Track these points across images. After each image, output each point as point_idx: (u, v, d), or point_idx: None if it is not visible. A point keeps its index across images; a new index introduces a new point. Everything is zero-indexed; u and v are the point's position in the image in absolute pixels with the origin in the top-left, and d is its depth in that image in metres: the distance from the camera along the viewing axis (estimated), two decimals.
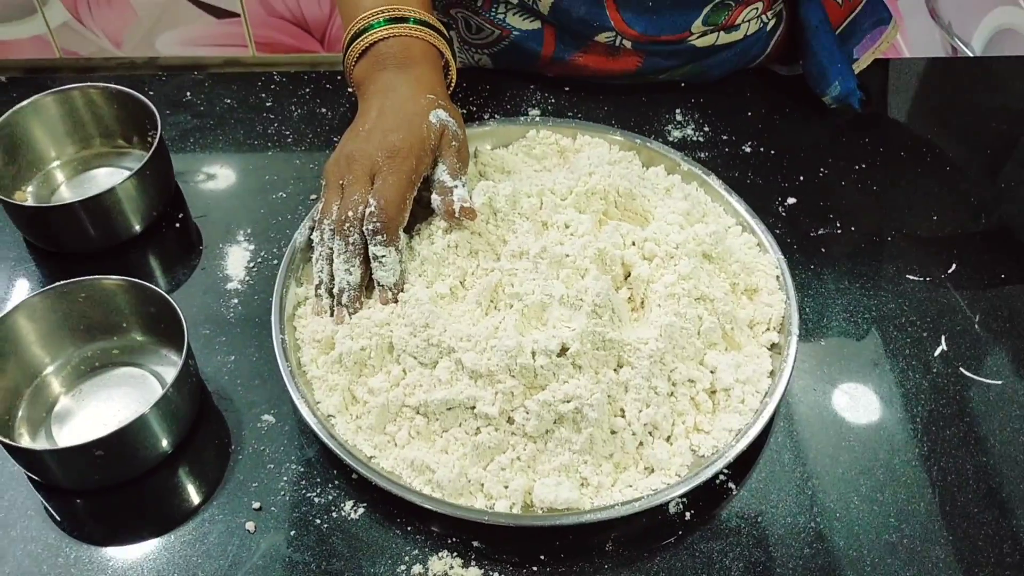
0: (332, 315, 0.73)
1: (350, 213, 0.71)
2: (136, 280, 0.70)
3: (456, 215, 0.73)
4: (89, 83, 0.84)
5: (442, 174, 0.75)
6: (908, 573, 0.64)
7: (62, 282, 0.70)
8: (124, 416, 0.64)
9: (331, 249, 0.73)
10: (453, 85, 0.85)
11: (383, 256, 0.71)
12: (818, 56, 0.91)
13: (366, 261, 0.72)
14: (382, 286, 0.72)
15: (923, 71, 1.02)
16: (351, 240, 0.72)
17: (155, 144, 0.80)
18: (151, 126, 0.82)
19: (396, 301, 0.72)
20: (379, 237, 0.71)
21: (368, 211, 0.71)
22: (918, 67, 1.04)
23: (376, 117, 0.75)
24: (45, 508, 0.67)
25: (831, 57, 0.91)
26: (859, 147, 0.91)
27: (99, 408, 0.71)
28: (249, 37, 2.14)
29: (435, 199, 0.74)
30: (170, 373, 0.66)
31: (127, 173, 0.79)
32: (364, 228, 0.71)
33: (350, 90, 0.83)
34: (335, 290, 0.73)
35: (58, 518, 0.66)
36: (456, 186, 0.74)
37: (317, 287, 0.74)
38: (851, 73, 0.92)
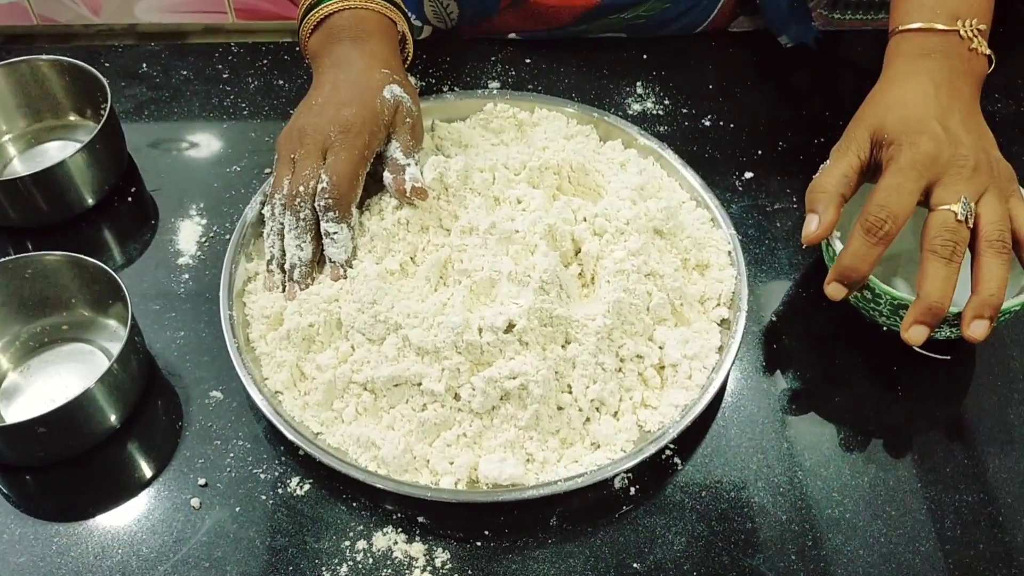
0: (284, 291, 0.72)
1: (301, 188, 0.71)
2: (79, 256, 0.70)
3: (407, 194, 0.72)
4: (37, 55, 0.83)
5: (395, 151, 0.74)
6: (850, 547, 0.65)
7: (6, 258, 0.70)
8: (72, 392, 0.64)
9: (282, 224, 0.72)
10: (410, 59, 0.84)
11: (335, 233, 0.71)
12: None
13: (317, 237, 0.72)
14: (333, 262, 0.72)
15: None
16: (302, 216, 0.71)
17: (106, 116, 0.79)
18: (103, 98, 0.82)
19: (346, 277, 0.72)
20: (331, 214, 0.71)
21: (320, 187, 0.71)
22: (879, 38, 1.03)
23: (330, 91, 0.75)
24: None
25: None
26: (819, 121, 0.91)
27: (48, 384, 0.71)
28: (229, 3, 2.12)
29: (387, 176, 0.74)
30: (118, 349, 0.66)
31: (79, 146, 0.78)
32: (316, 204, 0.71)
33: (307, 62, 0.83)
34: (286, 266, 0.72)
35: (6, 493, 0.66)
36: (408, 164, 0.74)
37: (269, 262, 0.74)
38: (807, 12, 0.91)
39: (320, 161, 0.72)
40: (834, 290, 0.67)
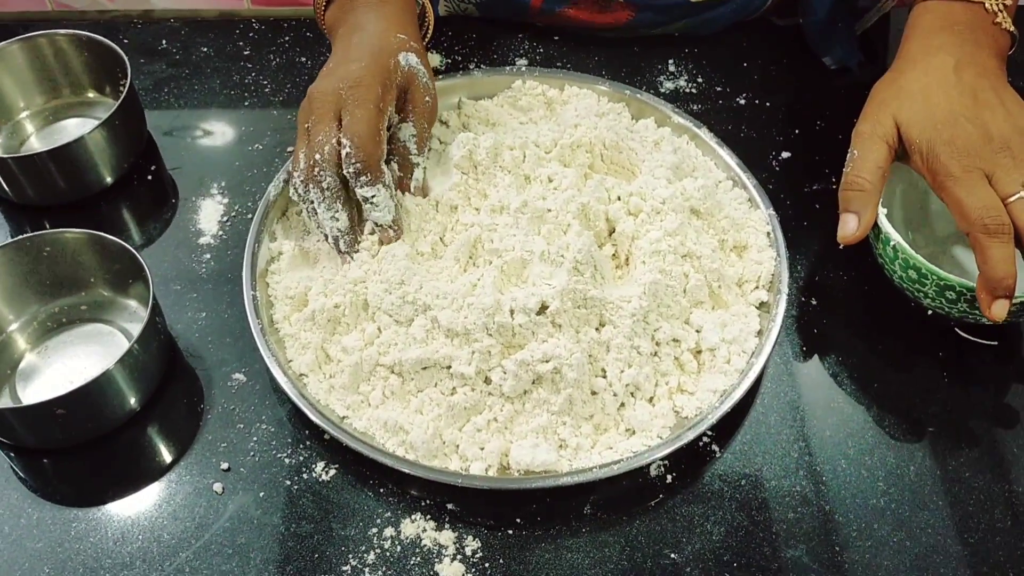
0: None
1: (317, 156, 0.67)
2: (100, 233, 0.68)
3: (410, 191, 0.71)
4: (57, 30, 0.81)
5: (408, 139, 0.71)
6: (896, 538, 0.62)
7: (23, 236, 0.68)
8: (91, 373, 0.62)
9: (311, 202, 0.70)
10: (430, 33, 0.81)
11: (373, 196, 0.67)
12: (818, 15, 0.87)
13: (349, 202, 0.69)
14: (381, 226, 0.69)
15: None
16: (325, 185, 0.68)
17: (125, 92, 0.77)
18: (122, 74, 0.80)
19: (399, 239, 0.69)
20: (363, 178, 0.67)
21: (344, 153, 0.67)
22: None
23: (341, 54, 0.72)
24: (12, 468, 0.65)
25: (831, 16, 0.87)
26: (857, 100, 0.87)
27: (66, 365, 0.69)
28: None
29: (393, 168, 0.71)
30: (139, 330, 0.64)
31: (97, 123, 0.76)
32: (345, 171, 0.67)
33: (327, 37, 0.80)
34: (329, 241, 0.70)
35: (23, 477, 0.65)
36: (418, 164, 0.71)
37: (325, 240, 0.71)
38: (852, 34, 0.88)
39: (334, 124, 0.68)
40: (999, 309, 0.62)
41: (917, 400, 0.69)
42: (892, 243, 0.67)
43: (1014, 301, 0.63)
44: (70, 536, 0.62)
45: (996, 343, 0.72)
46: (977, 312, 0.66)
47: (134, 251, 0.67)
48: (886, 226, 0.67)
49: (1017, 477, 0.65)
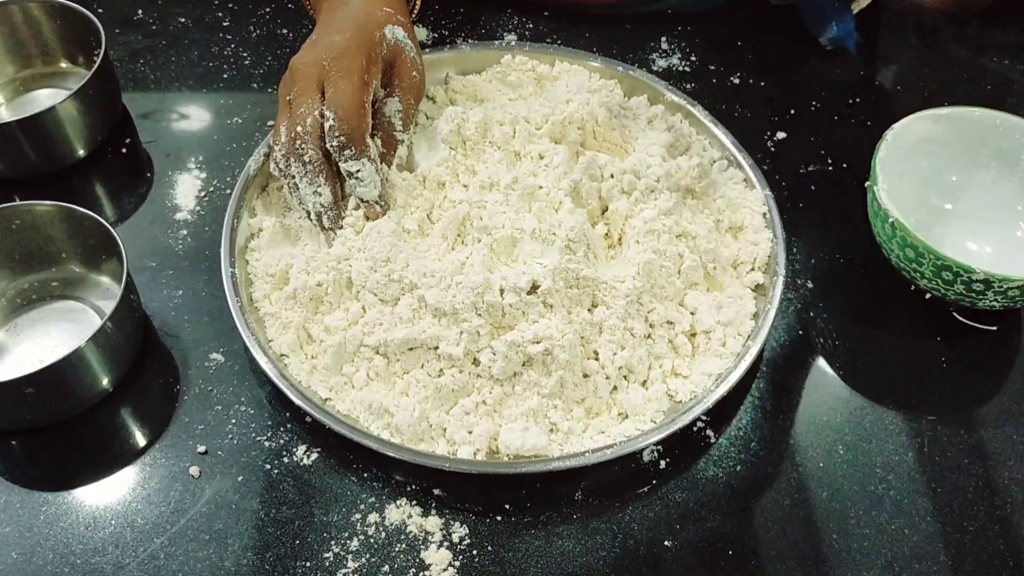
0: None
1: (299, 128, 0.65)
2: (72, 206, 0.65)
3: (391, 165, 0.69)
4: None
5: (393, 114, 0.69)
6: (894, 526, 0.61)
7: None
8: (62, 352, 0.59)
9: (292, 176, 0.67)
10: (417, 8, 0.79)
11: (358, 171, 0.65)
12: None
13: (332, 176, 0.67)
14: (366, 201, 0.67)
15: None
16: (307, 158, 0.65)
17: (99, 61, 0.74)
18: (96, 44, 0.76)
19: (384, 214, 0.66)
20: (347, 152, 0.65)
21: (328, 125, 0.65)
22: None
23: (324, 27, 0.70)
24: None
25: None
26: (854, 80, 0.86)
27: (37, 344, 0.66)
28: None
29: (376, 142, 0.69)
30: (112, 307, 0.61)
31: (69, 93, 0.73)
32: (328, 145, 0.65)
33: (310, 12, 0.78)
34: (311, 217, 0.67)
35: None
36: (402, 141, 0.69)
37: (308, 216, 0.68)
38: (849, 13, 0.86)
39: (316, 96, 0.66)
40: None
41: (915, 386, 0.67)
42: (890, 220, 0.65)
43: (1013, 284, 0.62)
44: (39, 521, 0.59)
45: (995, 328, 0.70)
46: (974, 295, 0.64)
47: (108, 225, 0.64)
48: (885, 202, 0.66)
49: (1017, 464, 0.64)
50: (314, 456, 0.62)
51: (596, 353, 0.64)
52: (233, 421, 0.63)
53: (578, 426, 0.62)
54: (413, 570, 0.58)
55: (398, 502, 0.60)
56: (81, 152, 0.76)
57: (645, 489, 0.62)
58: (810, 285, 0.72)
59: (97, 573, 0.57)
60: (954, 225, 0.73)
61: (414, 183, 0.69)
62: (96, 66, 0.73)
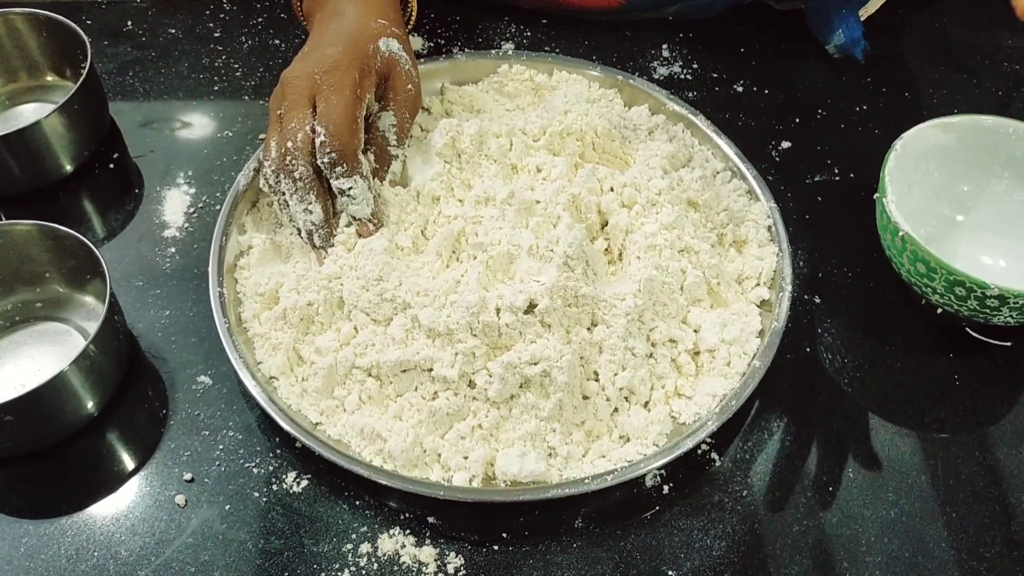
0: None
1: (289, 144, 0.63)
2: (53, 225, 0.63)
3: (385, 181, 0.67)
4: (11, 8, 0.76)
5: (388, 129, 0.67)
6: (907, 552, 0.59)
7: None
8: (44, 375, 0.58)
9: (283, 193, 0.65)
10: (413, 19, 0.77)
11: (350, 188, 0.64)
12: None
13: (323, 194, 0.65)
14: (358, 220, 0.65)
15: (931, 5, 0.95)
16: (297, 175, 0.64)
17: (85, 74, 0.72)
18: (83, 56, 0.75)
19: (377, 231, 0.65)
20: (339, 168, 0.63)
21: (319, 141, 0.63)
22: None
23: (317, 39, 0.68)
24: None
25: (835, 0, 0.83)
26: (860, 87, 0.84)
27: (18, 367, 0.64)
28: None
29: (369, 157, 0.67)
30: (95, 328, 0.59)
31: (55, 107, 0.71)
32: (319, 161, 0.64)
33: (303, 22, 0.76)
34: (302, 235, 0.65)
35: None
36: (396, 156, 0.67)
37: (298, 234, 0.66)
38: (856, 20, 0.84)
39: (307, 110, 0.64)
40: None
41: (928, 404, 0.65)
42: (900, 233, 0.63)
43: None
44: (20, 552, 0.57)
45: (1009, 344, 0.68)
46: (988, 311, 0.62)
47: (90, 244, 0.62)
48: (895, 215, 0.64)
49: None
50: (304, 483, 0.60)
51: (596, 374, 0.62)
52: (221, 447, 0.61)
53: (578, 450, 0.60)
54: None
55: (391, 531, 0.58)
56: (68, 167, 0.74)
57: (648, 515, 0.60)
58: (817, 300, 0.70)
59: None
60: (966, 238, 0.71)
61: (407, 198, 0.67)
62: (82, 79, 0.72)
